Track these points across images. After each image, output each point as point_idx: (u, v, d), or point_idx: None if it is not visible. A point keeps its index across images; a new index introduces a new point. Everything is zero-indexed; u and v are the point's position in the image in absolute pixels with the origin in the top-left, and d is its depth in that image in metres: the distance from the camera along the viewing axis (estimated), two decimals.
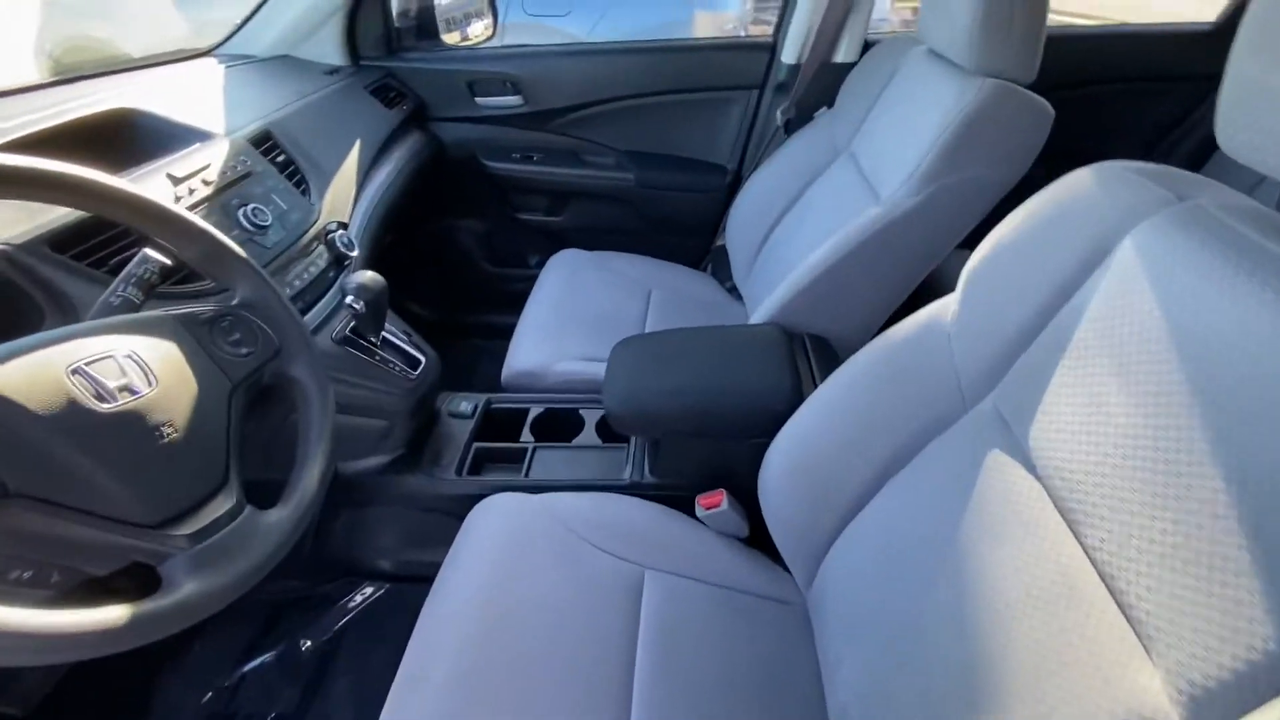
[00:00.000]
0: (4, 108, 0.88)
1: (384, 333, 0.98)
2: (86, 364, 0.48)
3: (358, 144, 1.20)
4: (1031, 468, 0.52)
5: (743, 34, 3.26)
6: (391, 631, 0.85)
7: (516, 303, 1.36)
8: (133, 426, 0.49)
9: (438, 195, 1.61)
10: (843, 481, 0.70)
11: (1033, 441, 0.52)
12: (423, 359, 1.02)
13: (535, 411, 1.12)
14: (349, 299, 0.88)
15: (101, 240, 0.68)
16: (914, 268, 0.99)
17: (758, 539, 0.89)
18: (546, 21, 2.93)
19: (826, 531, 0.72)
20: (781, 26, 1.43)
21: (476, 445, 1.06)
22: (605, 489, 0.94)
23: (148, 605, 0.45)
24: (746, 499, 0.89)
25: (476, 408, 1.12)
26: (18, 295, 0.64)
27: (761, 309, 1.06)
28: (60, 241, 0.66)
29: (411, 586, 1.16)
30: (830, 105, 1.32)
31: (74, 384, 0.47)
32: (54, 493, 0.44)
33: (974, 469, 0.58)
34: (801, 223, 1.23)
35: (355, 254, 1.00)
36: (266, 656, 1.06)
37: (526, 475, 1.02)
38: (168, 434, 0.51)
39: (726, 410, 0.89)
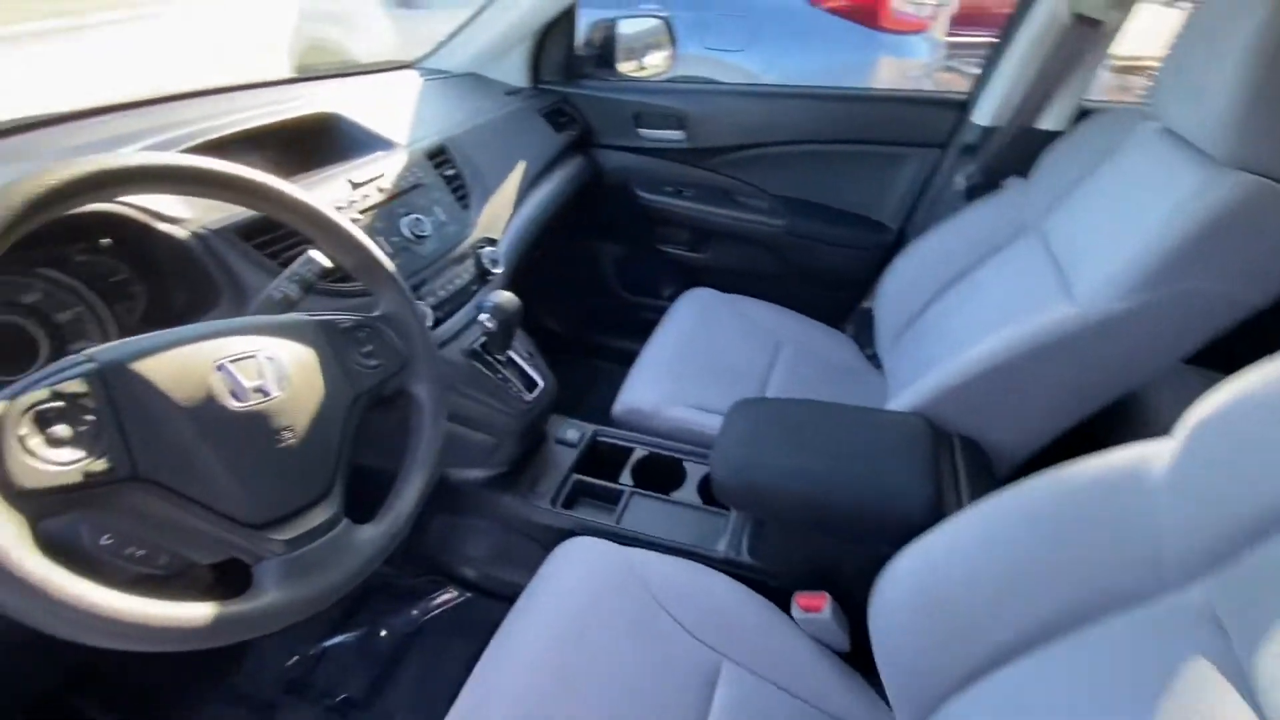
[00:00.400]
0: (227, 102, 1.00)
1: (510, 351, 0.99)
2: (231, 361, 0.51)
3: (523, 164, 1.24)
4: (1255, 702, 0.39)
5: (928, 83, 3.08)
6: (464, 641, 0.84)
7: (644, 331, 1.34)
8: (257, 427, 0.51)
9: (588, 217, 1.64)
10: (980, 630, 0.58)
11: (1260, 667, 0.39)
12: (540, 383, 1.02)
13: (639, 454, 1.08)
14: (483, 316, 0.89)
15: (278, 235, 0.74)
16: (1105, 386, 0.83)
17: (858, 656, 0.78)
18: (723, 56, 2.94)
19: (946, 682, 0.60)
20: (980, 84, 1.30)
21: (575, 477, 1.05)
22: (696, 557, 0.88)
23: (232, 608, 0.46)
24: (853, 610, 0.79)
25: (583, 438, 1.11)
26: (203, 276, 0.71)
27: (907, 393, 0.94)
28: (247, 231, 0.73)
29: (491, 601, 1.17)
30: (1024, 175, 1.17)
31: (215, 379, 0.50)
32: (176, 481, 0.46)
33: (1164, 674, 0.45)
34: (967, 302, 1.09)
35: (498, 272, 1.03)
36: (348, 636, 1.11)
37: (618, 521, 0.98)
38: (286, 439, 0.53)
39: (849, 507, 0.79)
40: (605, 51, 1.55)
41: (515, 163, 1.23)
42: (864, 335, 1.42)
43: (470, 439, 0.97)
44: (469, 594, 1.16)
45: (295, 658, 1.08)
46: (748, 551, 0.92)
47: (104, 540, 0.50)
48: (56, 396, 0.42)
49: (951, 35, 3.43)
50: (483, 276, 1.02)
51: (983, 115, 1.28)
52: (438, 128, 1.10)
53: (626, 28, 1.57)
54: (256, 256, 0.73)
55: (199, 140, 0.79)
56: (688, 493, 1.03)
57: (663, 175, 1.58)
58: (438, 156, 1.04)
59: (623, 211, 1.64)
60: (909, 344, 1.19)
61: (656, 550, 0.86)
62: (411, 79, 1.32)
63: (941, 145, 1.37)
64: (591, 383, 1.61)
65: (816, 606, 0.79)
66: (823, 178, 1.50)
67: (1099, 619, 0.52)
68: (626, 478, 1.05)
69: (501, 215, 1.13)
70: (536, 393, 1.00)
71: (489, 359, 0.96)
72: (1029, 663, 0.55)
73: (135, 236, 0.69)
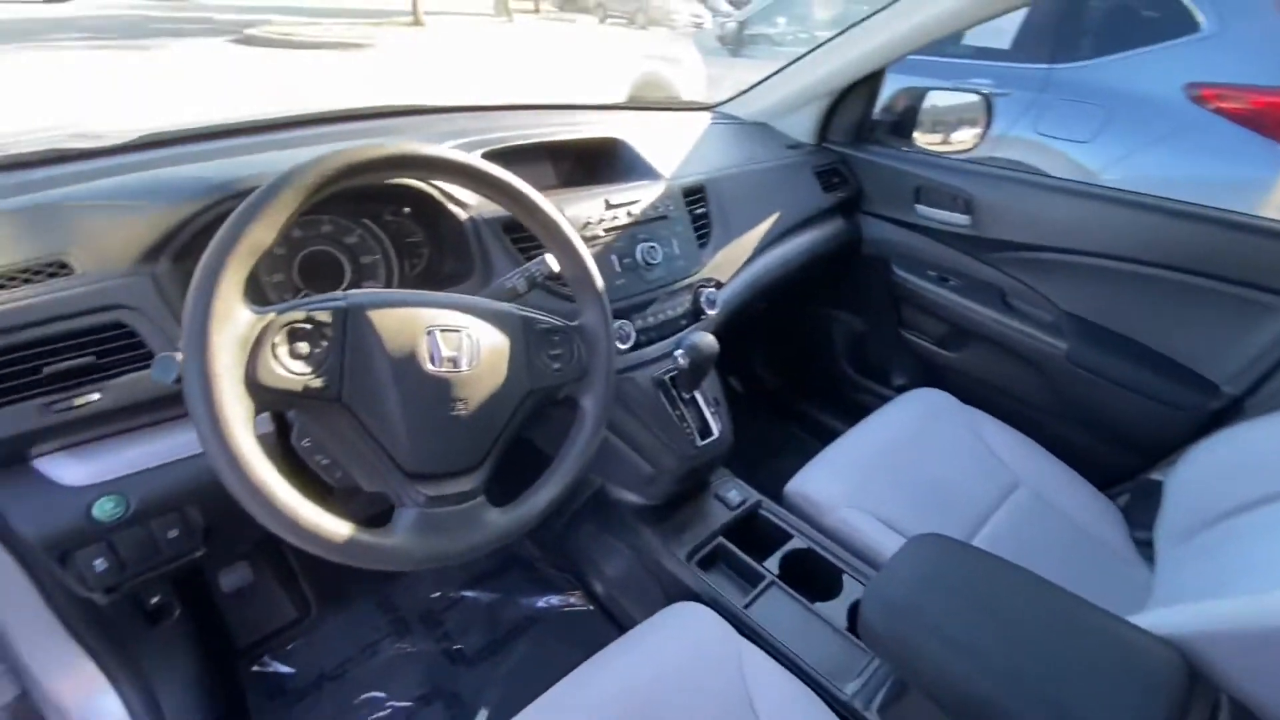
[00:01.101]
0: (547, 117, 1.17)
1: (696, 392, 0.98)
2: (440, 330, 0.58)
3: (776, 216, 1.23)
4: None
5: None
6: (568, 648, 0.85)
7: (857, 415, 1.22)
8: (439, 391, 0.58)
9: (833, 282, 1.56)
10: None
11: None
12: (715, 433, 0.99)
13: (797, 544, 0.99)
14: (679, 352, 0.90)
15: (530, 234, 0.84)
16: None
17: None
18: (1057, 145, 2.57)
19: None
20: None
21: (721, 541, 0.99)
22: (817, 687, 0.76)
23: (364, 535, 0.52)
24: None
25: (743, 504, 1.05)
26: (467, 252, 0.83)
27: (1174, 613, 0.69)
28: (508, 225, 0.84)
29: (606, 622, 1.17)
30: None
31: (422, 341, 0.57)
32: (365, 413, 0.55)
33: None
34: None
35: (712, 313, 1.03)
36: (484, 595, 1.21)
37: (747, 606, 0.90)
38: (459, 409, 0.59)
39: None
40: (904, 119, 1.46)
41: (769, 214, 1.22)
42: (1141, 512, 1.10)
43: (633, 463, 0.98)
44: (591, 606, 1.18)
45: (438, 593, 1.21)
46: (878, 710, 0.77)
47: (304, 442, 0.61)
48: (309, 320, 0.53)
49: None
50: (696, 314, 1.02)
51: None
52: (704, 168, 1.15)
53: (938, 99, 1.46)
54: (509, 247, 0.84)
55: (500, 145, 0.93)
56: (835, 610, 0.90)
57: (930, 257, 1.43)
58: (693, 194, 1.08)
59: (873, 285, 1.52)
60: (1203, 549, 0.88)
61: (775, 658, 0.77)
62: (702, 120, 1.40)
63: None
64: (779, 448, 1.53)
65: None
66: (1139, 307, 1.20)
67: None
68: (774, 564, 0.96)
69: (736, 261, 1.13)
70: (708, 441, 0.97)
71: (673, 394, 0.96)
72: None
73: (431, 210, 0.85)
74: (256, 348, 0.49)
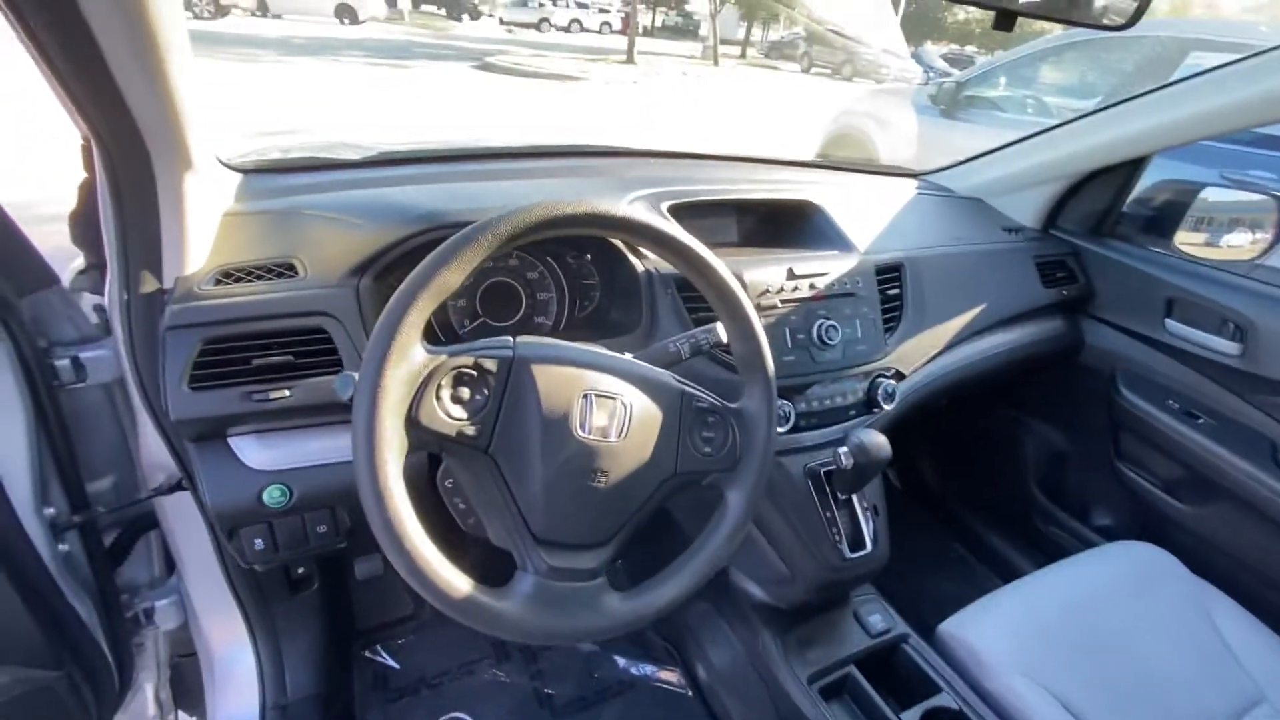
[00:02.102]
0: (743, 172, 1.13)
1: (854, 496, 0.87)
2: (596, 395, 0.55)
3: (982, 307, 1.08)
4: None
5: None
6: None
7: (1041, 553, 1.02)
8: (583, 460, 0.54)
9: (1038, 391, 1.34)
10: None
11: None
12: (869, 548, 0.86)
13: (944, 701, 0.82)
14: (843, 450, 0.80)
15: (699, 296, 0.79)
16: None
17: None
18: None
19: None
20: None
21: (853, 670, 0.86)
22: None
23: (478, 595, 0.50)
24: None
25: (887, 634, 0.90)
26: (637, 303, 0.81)
27: None
28: (683, 284, 0.80)
29: (701, 711, 1.07)
30: None
31: (578, 404, 0.55)
32: (507, 468, 0.53)
33: None
34: None
35: (888, 408, 0.91)
36: (587, 646, 1.17)
37: None
38: (599, 480, 0.55)
39: None
40: (1164, 215, 1.22)
41: (973, 303, 1.07)
42: None
43: (768, 558, 0.89)
44: (689, 692, 1.09)
45: None
46: None
47: (448, 482, 0.61)
48: (476, 366, 0.52)
49: None
50: (869, 405, 0.91)
51: None
52: (905, 244, 1.03)
53: (1213, 195, 1.20)
54: (679, 307, 0.80)
55: (685, 199, 0.91)
56: None
57: (1176, 385, 1.17)
58: (888, 273, 0.97)
59: (1089, 402, 1.28)
60: None
61: None
62: (908, 189, 1.28)
63: None
64: (937, 570, 1.32)
65: None
66: None
67: None
68: (913, 717, 0.81)
69: (925, 352, 1.00)
70: (859, 555, 0.85)
71: (827, 492, 0.85)
72: None
73: (611, 257, 0.84)
74: (424, 387, 0.50)
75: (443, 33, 15.72)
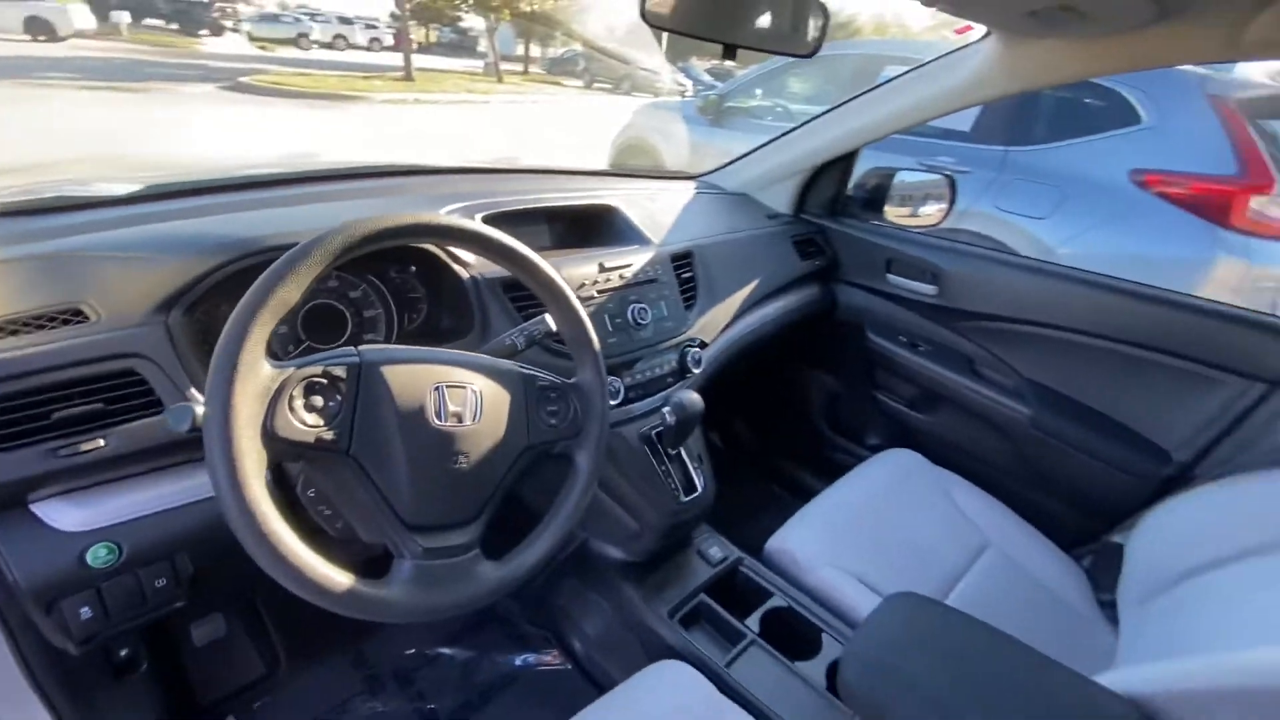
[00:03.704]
0: (544, 183, 1.23)
1: (681, 449, 1.01)
2: (447, 386, 0.61)
3: (756, 281, 1.30)
4: None
5: None
6: (545, 710, 0.83)
7: (833, 474, 1.26)
8: (443, 446, 0.60)
9: (810, 346, 1.63)
10: None
11: None
12: (699, 490, 1.01)
13: (777, 603, 1.00)
14: (666, 409, 0.94)
15: (529, 294, 0.88)
16: None
17: None
18: (1016, 221, 2.75)
19: None
20: None
21: (703, 598, 1.00)
22: None
23: (362, 587, 0.54)
24: None
25: (724, 561, 1.06)
26: (467, 309, 0.87)
27: (1137, 673, 0.73)
28: (508, 285, 0.88)
29: (583, 684, 1.15)
30: None
31: (430, 397, 0.60)
32: (371, 466, 0.57)
33: None
34: (1264, 591, 0.82)
35: (697, 372, 1.07)
36: (458, 652, 1.19)
37: (728, 664, 0.90)
38: (460, 463, 0.61)
39: None
40: (876, 196, 1.57)
41: (750, 279, 1.29)
42: (1104, 574, 1.14)
43: (618, 517, 1.00)
44: (569, 666, 1.17)
45: (413, 650, 1.18)
46: None
47: (309, 493, 0.62)
48: (325, 375, 0.55)
49: None
50: (682, 372, 1.07)
51: None
52: (691, 235, 1.22)
53: (906, 178, 1.57)
54: (508, 306, 0.88)
55: (499, 209, 0.98)
56: (814, 669, 0.91)
57: (902, 324, 1.51)
58: (682, 260, 1.14)
59: (848, 348, 1.59)
60: (1164, 611, 0.93)
61: (756, 718, 0.77)
62: (688, 189, 1.48)
63: (1272, 382, 1.09)
64: (758, 505, 1.55)
65: None
66: (1097, 377, 1.29)
67: None
68: (755, 622, 0.98)
69: (719, 322, 1.19)
70: (692, 497, 1.00)
71: (659, 450, 0.99)
72: None
73: (435, 269, 0.89)
74: (275, 400, 0.52)
75: (180, 50, 13.68)
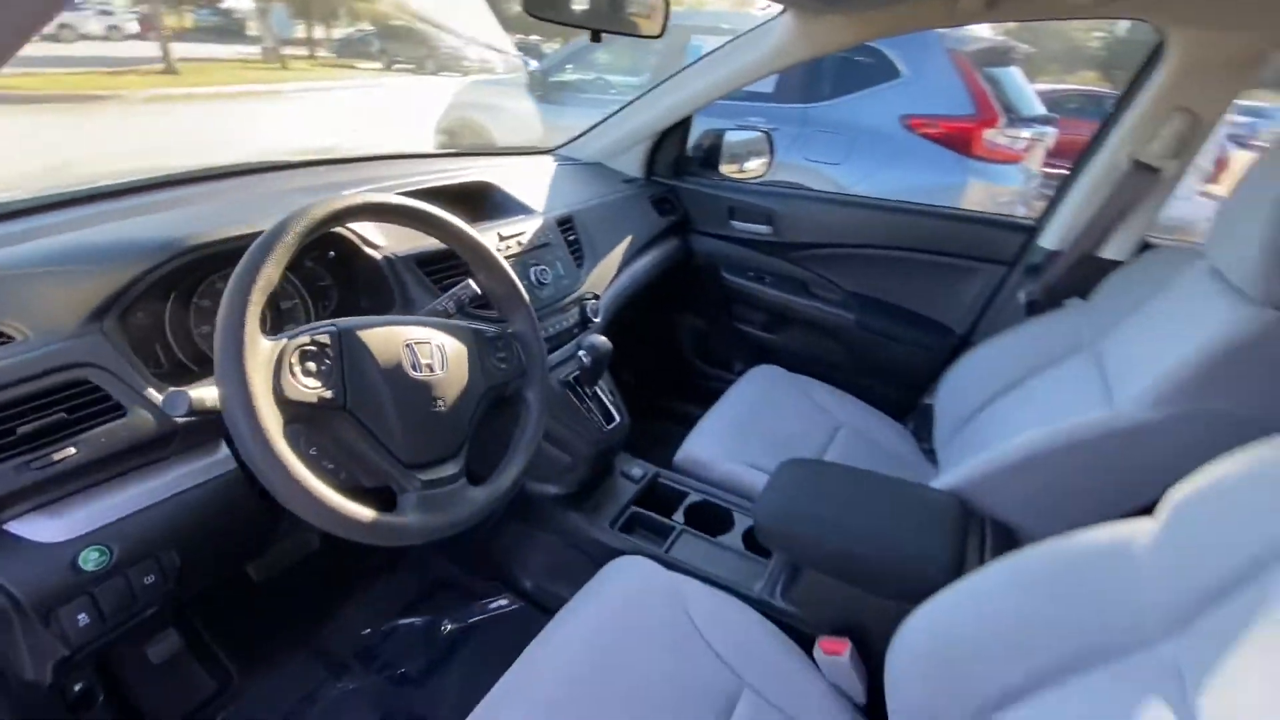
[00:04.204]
0: (410, 166, 1.28)
1: (597, 387, 1.16)
2: (415, 343, 0.70)
3: (629, 239, 1.47)
4: None
5: (1022, 209, 3.20)
6: (510, 645, 0.95)
7: (711, 399, 1.48)
8: (423, 393, 0.69)
9: (676, 292, 1.85)
10: (981, 682, 0.65)
11: (1204, 708, 0.47)
12: (618, 418, 1.17)
13: (693, 499, 1.20)
14: (581, 352, 1.08)
15: (442, 266, 0.96)
16: (1133, 491, 0.89)
17: (872, 710, 0.84)
18: (820, 168, 3.21)
19: None
20: (1049, 212, 1.43)
21: (634, 509, 1.17)
22: (734, 593, 0.97)
23: (382, 517, 0.63)
24: (872, 663, 0.86)
25: (645, 476, 1.24)
26: (385, 288, 0.93)
27: (948, 476, 1.03)
28: (421, 261, 0.96)
29: (540, 614, 1.28)
30: (1083, 297, 1.26)
31: (404, 352, 0.69)
32: (367, 418, 0.65)
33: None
34: (1020, 407, 1.17)
35: (597, 320, 1.22)
36: (416, 620, 1.25)
37: (667, 551, 1.09)
38: (439, 405, 0.71)
39: (873, 561, 0.87)
40: (711, 155, 1.80)
41: (624, 237, 1.45)
42: (923, 430, 1.50)
43: (551, 456, 1.13)
44: (521, 604, 1.29)
45: (369, 629, 1.23)
46: (781, 595, 1.00)
47: (312, 451, 0.69)
48: (314, 343, 0.62)
49: (1048, 167, 3.57)
50: (584, 322, 1.21)
51: (1049, 240, 1.40)
52: (567, 202, 1.35)
53: (732, 137, 1.82)
54: (425, 280, 0.96)
55: (398, 190, 1.04)
56: (733, 538, 1.13)
57: (748, 262, 1.77)
58: (565, 224, 1.28)
59: (708, 290, 1.83)
60: (962, 441, 1.26)
61: (699, 580, 0.96)
62: (548, 163, 1.60)
63: (1009, 263, 1.48)
64: (660, 438, 1.75)
65: (838, 651, 0.86)
66: (896, 281, 1.64)
67: (1085, 671, 0.59)
68: (679, 517, 1.17)
69: (606, 276, 1.34)
70: (613, 425, 1.16)
71: (579, 390, 1.13)
72: (1022, 710, 0.62)
73: (346, 254, 0.93)
74: (279, 368, 0.58)
75: None
